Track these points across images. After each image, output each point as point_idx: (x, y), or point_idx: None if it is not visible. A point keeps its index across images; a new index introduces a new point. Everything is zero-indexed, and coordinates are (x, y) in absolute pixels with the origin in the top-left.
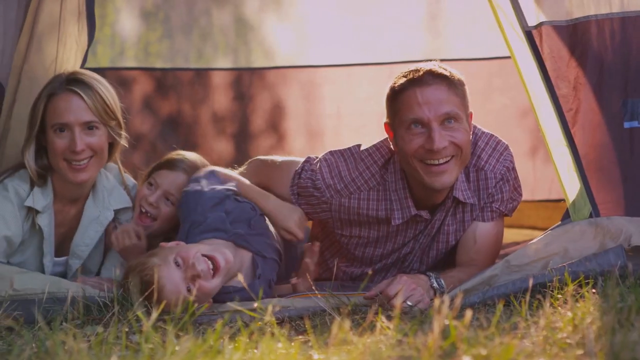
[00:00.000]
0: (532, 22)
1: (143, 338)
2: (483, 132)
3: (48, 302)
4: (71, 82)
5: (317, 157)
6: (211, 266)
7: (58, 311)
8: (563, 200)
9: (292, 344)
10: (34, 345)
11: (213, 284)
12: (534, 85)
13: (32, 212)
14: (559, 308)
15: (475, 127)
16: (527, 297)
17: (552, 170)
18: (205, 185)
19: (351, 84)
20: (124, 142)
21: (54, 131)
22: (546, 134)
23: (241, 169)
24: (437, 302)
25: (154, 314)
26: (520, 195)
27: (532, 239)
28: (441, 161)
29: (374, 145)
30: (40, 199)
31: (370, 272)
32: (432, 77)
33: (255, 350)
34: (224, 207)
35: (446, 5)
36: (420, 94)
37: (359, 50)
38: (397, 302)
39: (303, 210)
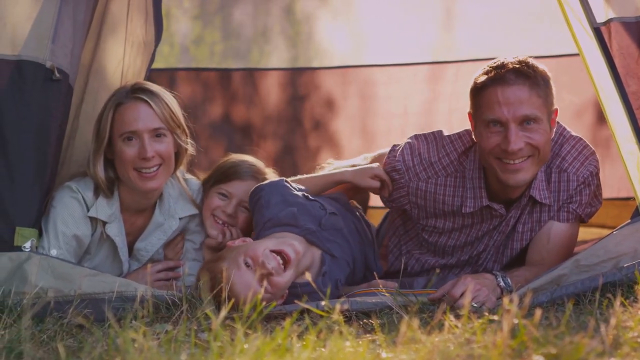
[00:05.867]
0: (600, 18)
1: (212, 336)
2: (571, 136)
3: (117, 301)
4: (136, 90)
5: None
6: (281, 261)
7: (128, 309)
8: (632, 198)
9: (360, 342)
10: (104, 342)
11: (286, 277)
12: (602, 83)
13: (98, 222)
14: (630, 307)
15: (564, 129)
16: (597, 296)
17: (620, 167)
18: (277, 183)
19: (417, 83)
20: (190, 149)
21: (122, 140)
22: (615, 131)
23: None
24: (506, 301)
25: (223, 312)
26: (600, 203)
27: (600, 238)
28: (517, 161)
29: (457, 133)
30: (105, 208)
31: (437, 270)
32: (515, 76)
33: (323, 349)
34: (294, 203)
35: (512, 3)
36: (502, 93)
37: (423, 49)
38: (465, 301)
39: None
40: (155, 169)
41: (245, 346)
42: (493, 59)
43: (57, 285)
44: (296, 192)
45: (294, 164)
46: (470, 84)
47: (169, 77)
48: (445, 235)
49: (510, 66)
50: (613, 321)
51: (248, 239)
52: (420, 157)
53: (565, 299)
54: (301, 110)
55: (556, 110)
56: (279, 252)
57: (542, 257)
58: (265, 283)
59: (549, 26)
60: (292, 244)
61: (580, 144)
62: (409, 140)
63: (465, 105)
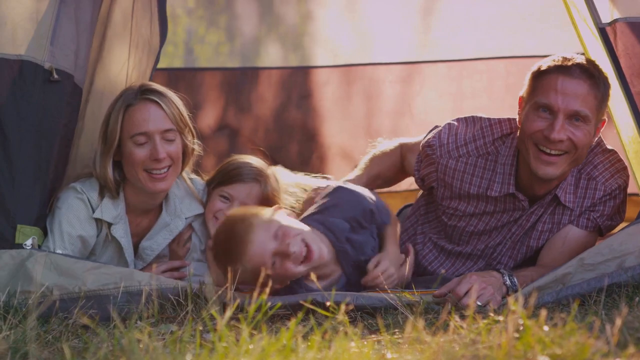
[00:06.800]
0: (606, 19)
1: (217, 337)
2: (607, 148)
3: (122, 298)
4: (145, 92)
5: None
6: (304, 253)
7: (133, 309)
8: (637, 195)
9: (365, 343)
10: (109, 343)
11: (297, 269)
12: None
13: (103, 223)
14: (635, 308)
15: (602, 141)
16: (602, 297)
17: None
18: (363, 202)
19: (421, 82)
20: (197, 149)
21: (132, 142)
22: (620, 131)
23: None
24: (511, 301)
25: (228, 313)
26: (622, 219)
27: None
28: (553, 152)
29: (498, 118)
30: (110, 209)
31: (443, 271)
32: (580, 71)
33: (328, 350)
34: (353, 221)
35: (518, 3)
36: (562, 82)
37: (428, 47)
38: (468, 301)
39: (419, 175)
40: (165, 170)
41: (251, 347)
42: (497, 58)
43: (61, 282)
44: (365, 225)
45: (296, 164)
46: (533, 68)
47: (171, 77)
48: (464, 220)
49: (578, 61)
50: (618, 322)
51: (293, 215)
52: (457, 136)
53: (570, 299)
54: (304, 109)
55: (604, 121)
56: (307, 246)
57: (553, 259)
58: (280, 260)
59: (554, 26)
60: (322, 247)
61: (614, 157)
62: (452, 121)
63: (469, 105)
